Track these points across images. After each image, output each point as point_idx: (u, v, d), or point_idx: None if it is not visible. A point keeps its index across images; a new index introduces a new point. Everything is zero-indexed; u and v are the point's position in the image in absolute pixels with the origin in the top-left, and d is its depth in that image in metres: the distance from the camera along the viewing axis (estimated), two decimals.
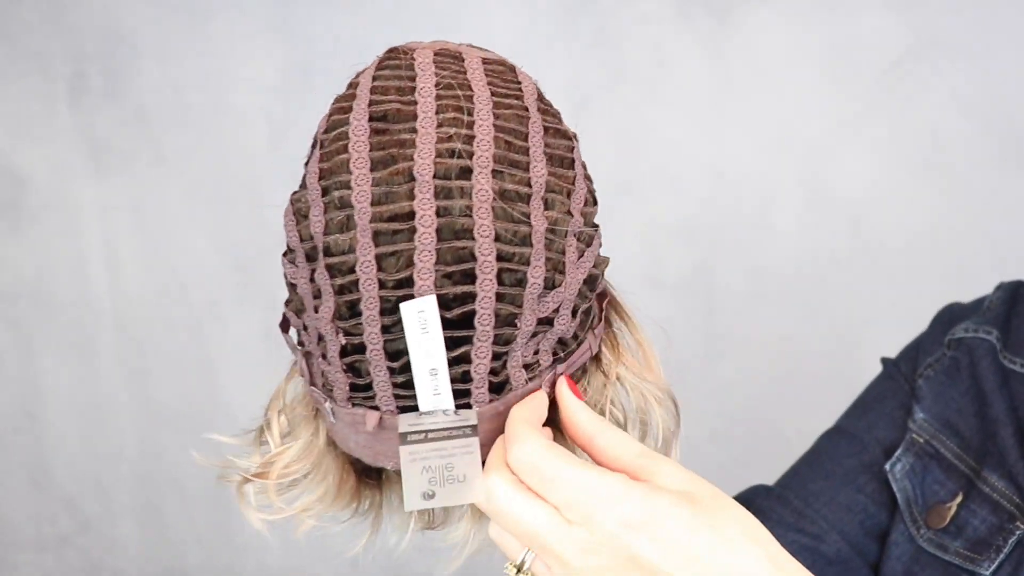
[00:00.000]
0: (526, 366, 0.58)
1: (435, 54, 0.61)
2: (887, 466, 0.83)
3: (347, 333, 0.56)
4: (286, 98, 1.85)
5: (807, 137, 1.69)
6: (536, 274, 0.56)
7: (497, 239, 0.55)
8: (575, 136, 0.62)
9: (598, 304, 0.62)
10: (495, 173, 0.56)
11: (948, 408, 0.82)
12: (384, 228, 0.55)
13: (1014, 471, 0.76)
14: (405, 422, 0.56)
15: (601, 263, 0.62)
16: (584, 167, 0.61)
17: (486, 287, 0.55)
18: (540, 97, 0.61)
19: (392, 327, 0.55)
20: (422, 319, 0.54)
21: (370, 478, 0.66)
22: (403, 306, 0.54)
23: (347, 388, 0.57)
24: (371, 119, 0.57)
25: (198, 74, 1.88)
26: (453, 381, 0.56)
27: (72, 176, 1.95)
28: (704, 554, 0.52)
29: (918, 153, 1.66)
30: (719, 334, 1.77)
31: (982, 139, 1.63)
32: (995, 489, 0.77)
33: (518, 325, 0.56)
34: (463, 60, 0.61)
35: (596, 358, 0.63)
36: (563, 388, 0.58)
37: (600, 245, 0.61)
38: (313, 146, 0.60)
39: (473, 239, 0.55)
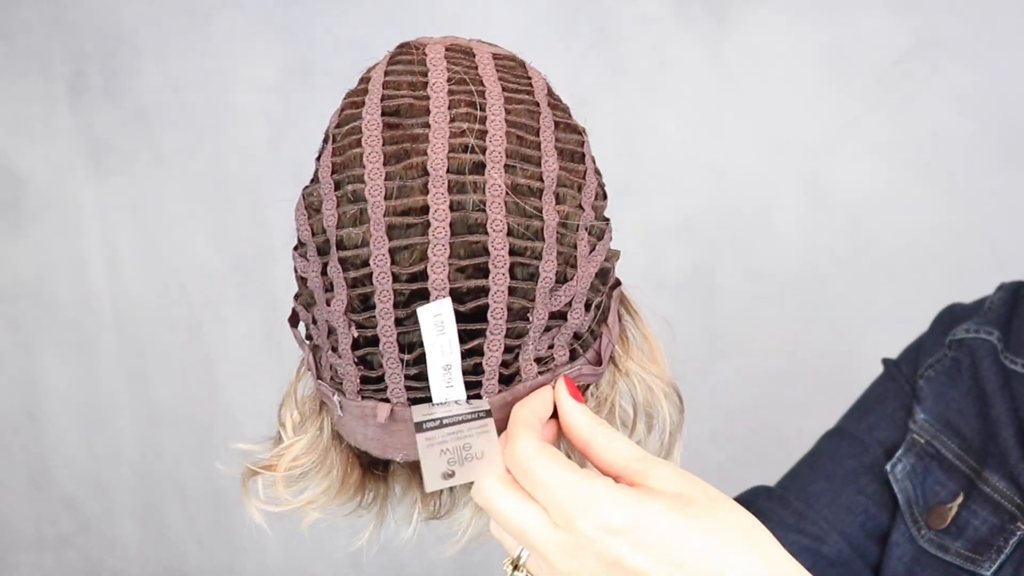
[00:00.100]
0: (538, 359, 0.58)
1: (446, 49, 0.61)
2: (888, 467, 0.83)
3: (360, 326, 0.56)
4: (286, 98, 1.85)
5: (807, 137, 1.69)
6: (548, 268, 0.56)
7: (510, 233, 0.55)
8: (584, 130, 0.62)
9: (608, 297, 0.63)
10: (507, 168, 0.56)
11: (949, 409, 0.82)
12: (398, 222, 0.55)
13: (1015, 472, 0.76)
14: (419, 412, 0.56)
15: (612, 256, 0.62)
16: (593, 161, 0.62)
17: (499, 281, 0.55)
18: (550, 92, 0.62)
19: (405, 320, 0.55)
20: (438, 321, 0.54)
21: (377, 470, 0.66)
22: (420, 310, 0.54)
23: (358, 381, 0.57)
24: (384, 114, 0.57)
25: (198, 74, 1.88)
26: (464, 373, 0.56)
27: (72, 176, 1.95)
28: (694, 560, 0.51)
29: (918, 153, 1.66)
30: (719, 334, 1.77)
31: (982, 139, 1.63)
32: (996, 490, 0.77)
33: (530, 319, 0.56)
34: (474, 56, 0.61)
35: None
36: (561, 390, 0.58)
37: (611, 239, 0.62)
38: (325, 140, 0.60)
39: (486, 233, 0.55)
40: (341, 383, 0.59)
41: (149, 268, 1.97)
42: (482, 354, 0.56)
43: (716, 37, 1.69)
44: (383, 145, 0.56)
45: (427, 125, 0.56)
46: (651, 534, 0.51)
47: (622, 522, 0.52)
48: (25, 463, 2.08)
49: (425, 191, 0.55)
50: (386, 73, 0.60)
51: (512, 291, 0.56)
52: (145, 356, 2.01)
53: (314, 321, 0.60)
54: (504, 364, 0.57)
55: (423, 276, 0.55)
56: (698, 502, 0.53)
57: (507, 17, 1.75)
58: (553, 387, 0.58)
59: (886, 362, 0.89)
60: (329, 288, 0.57)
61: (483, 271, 0.55)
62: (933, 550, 0.79)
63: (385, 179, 0.55)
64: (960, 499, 0.79)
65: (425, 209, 0.55)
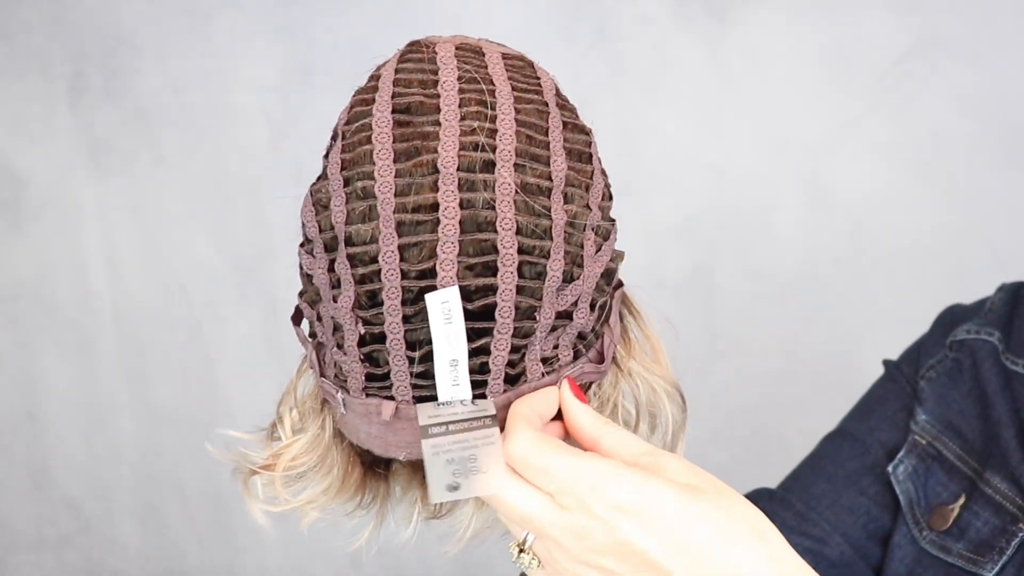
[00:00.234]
0: (544, 359, 0.58)
1: (456, 48, 0.61)
2: (889, 468, 0.83)
3: (366, 323, 0.56)
4: (286, 98, 1.85)
5: (807, 137, 1.69)
6: (556, 267, 0.56)
7: (519, 232, 0.55)
8: (591, 131, 0.62)
9: (611, 297, 0.63)
10: (517, 167, 0.56)
11: (950, 410, 0.82)
12: (407, 219, 0.55)
13: (1017, 473, 0.76)
14: (424, 413, 0.56)
15: (617, 257, 0.62)
16: (600, 161, 0.62)
17: (507, 280, 0.55)
18: (558, 92, 0.62)
19: (413, 317, 0.55)
20: (446, 309, 0.54)
21: (378, 469, 0.66)
22: (428, 296, 0.54)
23: (363, 378, 0.57)
24: (394, 111, 0.57)
25: (198, 74, 1.88)
26: (470, 372, 0.56)
27: (72, 176, 1.95)
28: (698, 546, 0.52)
29: (918, 153, 1.66)
30: (719, 334, 1.77)
31: (982, 139, 1.63)
32: (998, 491, 0.77)
33: (537, 318, 0.56)
34: (484, 55, 0.61)
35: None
36: (565, 391, 0.58)
37: (616, 240, 0.62)
38: (334, 138, 0.60)
39: (496, 232, 0.55)
40: (345, 380, 0.58)
41: (149, 268, 1.97)
42: (489, 353, 0.56)
43: (716, 37, 1.69)
44: (393, 142, 0.56)
45: (438, 123, 0.56)
46: (658, 516, 0.52)
47: (631, 501, 0.52)
48: (25, 463, 2.08)
49: (435, 188, 0.55)
50: (396, 71, 0.60)
51: (520, 290, 0.56)
52: (145, 356, 2.00)
53: (319, 318, 0.60)
54: (510, 364, 0.57)
55: (432, 273, 0.55)
56: (707, 493, 0.53)
57: (507, 17, 1.75)
58: (558, 387, 0.58)
59: (887, 363, 0.89)
60: (336, 284, 0.57)
61: (492, 269, 0.55)
62: (935, 551, 0.79)
63: (395, 176, 0.55)
64: (962, 500, 0.79)
65: (435, 206, 0.55)
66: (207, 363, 1.98)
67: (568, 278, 0.57)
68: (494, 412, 0.56)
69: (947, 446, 0.81)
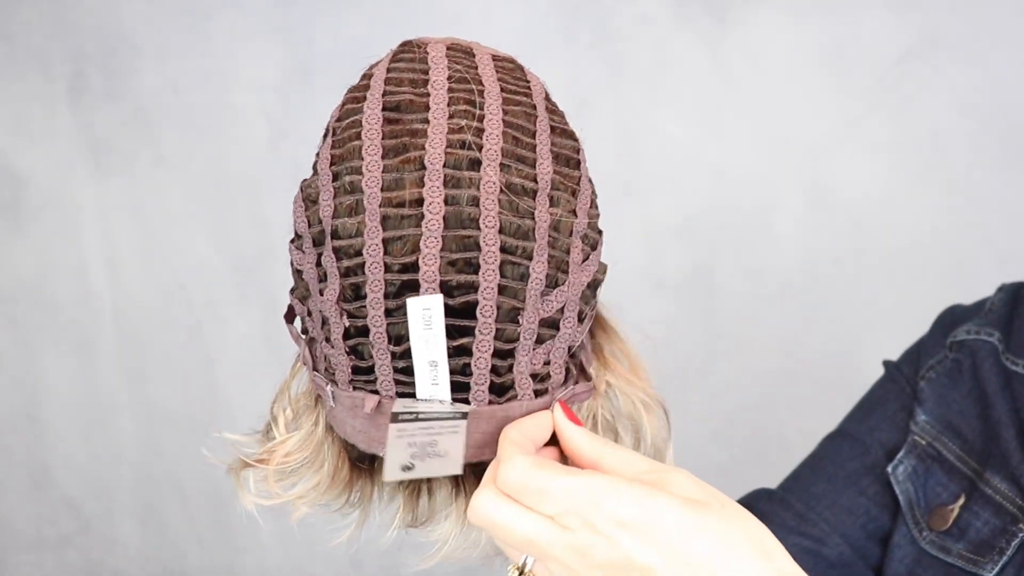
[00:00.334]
0: (535, 375, 0.58)
1: (448, 48, 0.62)
2: (889, 468, 0.83)
3: (351, 315, 0.57)
4: (286, 98, 1.85)
5: (807, 137, 1.69)
6: (539, 269, 0.56)
7: (502, 231, 0.56)
8: (579, 139, 0.62)
9: (592, 309, 0.63)
10: (503, 167, 0.57)
11: (950, 410, 0.82)
12: (392, 213, 0.55)
13: (1017, 473, 0.76)
14: (400, 403, 0.56)
15: (602, 269, 0.62)
16: (588, 170, 0.62)
17: (489, 277, 0.55)
18: (547, 96, 0.63)
19: (395, 311, 0.56)
20: (427, 316, 0.55)
21: (363, 464, 0.66)
22: (409, 301, 0.55)
23: (349, 371, 0.58)
24: (384, 109, 0.58)
25: (198, 74, 1.88)
26: (453, 372, 0.56)
27: (72, 176, 1.95)
28: (700, 559, 0.51)
29: (918, 153, 1.66)
30: (719, 334, 1.77)
31: (982, 139, 1.63)
32: (998, 491, 0.77)
33: (520, 322, 0.56)
34: (474, 56, 0.62)
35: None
36: (559, 416, 0.58)
37: (602, 252, 0.62)
38: (325, 135, 0.61)
39: (479, 229, 0.55)
40: (334, 373, 0.59)
41: (149, 268, 1.97)
42: (471, 354, 0.56)
43: (716, 37, 1.69)
44: (382, 139, 0.57)
45: (426, 121, 0.57)
46: (660, 530, 0.51)
47: (632, 516, 0.51)
48: (25, 463, 2.08)
49: (421, 184, 0.55)
50: (388, 70, 0.60)
51: (502, 289, 0.56)
52: (145, 356, 2.00)
53: (309, 313, 0.61)
54: (496, 371, 0.57)
55: (414, 267, 0.55)
56: (711, 507, 0.53)
57: (507, 17, 1.75)
58: (551, 412, 0.58)
59: (887, 364, 0.89)
60: (323, 278, 0.58)
61: (474, 266, 0.55)
62: (935, 552, 0.79)
63: (382, 171, 0.56)
64: (961, 500, 0.79)
65: (420, 202, 0.55)
66: (207, 363, 1.98)
67: (552, 283, 0.57)
68: (467, 411, 0.56)
69: (947, 446, 0.81)
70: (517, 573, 0.56)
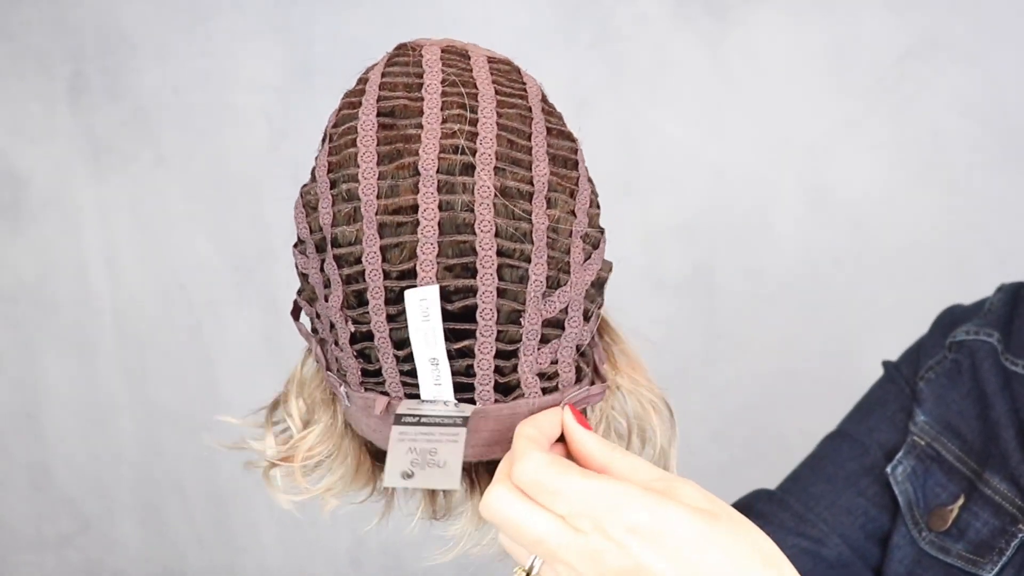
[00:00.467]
0: (541, 374, 0.58)
1: (442, 51, 0.62)
2: (888, 469, 0.82)
3: (355, 321, 0.57)
4: (286, 98, 1.85)
5: (807, 137, 1.69)
6: (538, 271, 0.56)
7: (497, 235, 0.56)
8: (577, 139, 0.62)
9: (599, 308, 0.63)
10: (497, 170, 0.57)
11: (949, 410, 0.82)
12: (389, 220, 0.56)
13: (1016, 473, 0.76)
14: (405, 405, 0.57)
15: (606, 267, 0.62)
16: (587, 170, 0.62)
17: (486, 281, 0.55)
18: (544, 99, 0.62)
19: (397, 316, 0.56)
20: (424, 307, 0.55)
21: (381, 461, 0.67)
22: (407, 293, 0.55)
23: (359, 373, 0.58)
24: (379, 114, 0.58)
25: (198, 74, 1.88)
26: (457, 374, 0.57)
27: (72, 176, 1.95)
28: (711, 571, 0.51)
29: (918, 153, 1.66)
30: (719, 334, 1.77)
31: (982, 139, 1.63)
32: (997, 491, 0.77)
33: (522, 323, 0.56)
34: (469, 58, 0.62)
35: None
36: (568, 419, 0.58)
37: (605, 250, 0.62)
38: (323, 140, 0.61)
39: (474, 234, 0.56)
40: (346, 375, 0.60)
41: (149, 268, 1.97)
42: (473, 356, 0.56)
43: (716, 37, 1.69)
44: (377, 145, 0.57)
45: (420, 126, 0.57)
46: (673, 540, 0.51)
47: (646, 524, 0.51)
48: (25, 463, 2.08)
49: (416, 190, 0.56)
50: (383, 75, 0.60)
51: (501, 293, 0.56)
52: (145, 356, 2.00)
53: (318, 315, 0.61)
54: (500, 371, 0.57)
55: (412, 274, 0.55)
56: (721, 519, 0.53)
57: (507, 17, 1.75)
58: (562, 409, 0.58)
59: (886, 364, 0.89)
60: (327, 284, 0.59)
61: (471, 271, 0.56)
62: (934, 552, 0.79)
63: (378, 178, 0.56)
64: (961, 501, 0.79)
65: (415, 208, 0.56)
66: (207, 363, 1.99)
67: (554, 284, 0.58)
68: (468, 415, 0.56)
69: (946, 447, 0.81)
70: (524, 574, 0.55)
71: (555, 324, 0.58)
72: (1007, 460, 0.77)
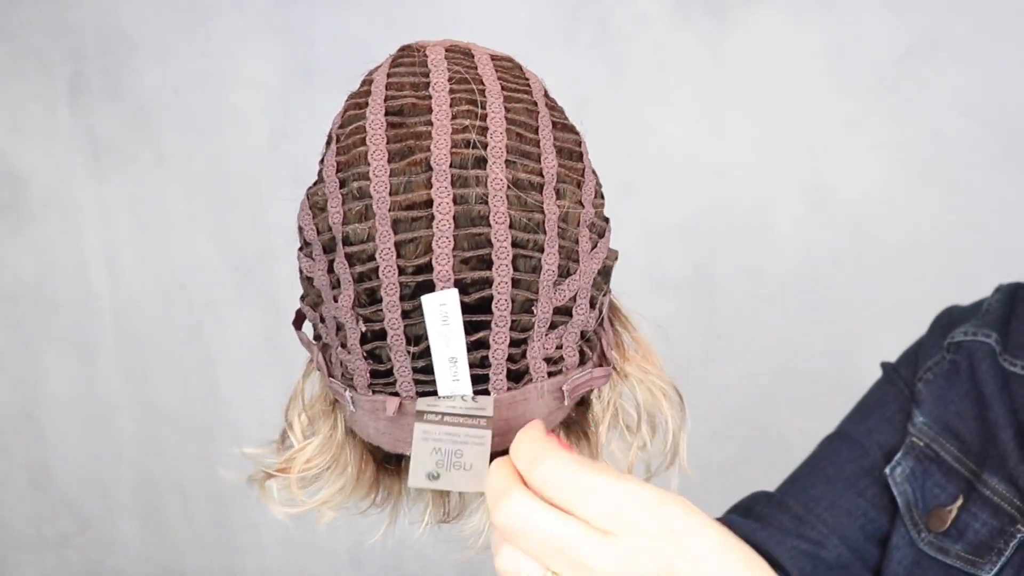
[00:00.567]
0: (548, 359, 0.58)
1: (446, 50, 0.62)
2: (887, 470, 0.82)
3: (367, 320, 0.57)
4: (286, 98, 1.85)
5: (807, 137, 1.69)
6: (550, 261, 0.57)
7: (512, 226, 0.56)
8: (579, 132, 0.63)
9: (606, 297, 0.63)
10: (508, 163, 0.57)
11: (948, 411, 0.82)
12: (403, 216, 0.56)
13: (1015, 474, 0.76)
14: (424, 402, 0.57)
15: (612, 255, 0.63)
16: (590, 162, 0.63)
17: (502, 272, 0.56)
18: (546, 93, 0.63)
19: (412, 312, 0.56)
20: (443, 311, 0.55)
21: (389, 466, 0.67)
22: (424, 299, 0.55)
23: (367, 375, 0.58)
24: (387, 113, 0.59)
25: (198, 74, 1.88)
26: (471, 366, 0.57)
27: (72, 176, 1.95)
28: None
29: (918, 153, 1.66)
30: (719, 334, 1.77)
31: (982, 139, 1.63)
32: (995, 492, 0.77)
33: (535, 312, 0.57)
34: (473, 56, 0.63)
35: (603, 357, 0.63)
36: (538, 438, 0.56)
37: (610, 239, 0.62)
38: (328, 142, 0.61)
39: (489, 226, 0.56)
40: (352, 379, 0.59)
41: (149, 268, 1.97)
42: (488, 347, 0.56)
43: (716, 37, 1.69)
44: (387, 143, 0.57)
45: (430, 123, 0.58)
46: (702, 546, 0.50)
47: (683, 526, 0.50)
48: (25, 463, 2.08)
49: (429, 186, 0.56)
50: (388, 75, 0.61)
51: (516, 283, 0.56)
52: (145, 356, 2.01)
53: (322, 320, 0.61)
54: (511, 359, 0.57)
55: (428, 268, 0.55)
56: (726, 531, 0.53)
57: (507, 17, 1.75)
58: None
59: (885, 366, 0.89)
60: (336, 285, 0.58)
61: (487, 262, 0.56)
62: (933, 553, 0.79)
63: (390, 175, 0.57)
64: (959, 502, 0.79)
65: (429, 203, 0.56)
66: (207, 363, 1.99)
67: (564, 273, 0.58)
68: (491, 415, 0.56)
69: (944, 447, 0.81)
70: None
71: (564, 311, 0.59)
72: (1005, 461, 0.77)
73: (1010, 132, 1.62)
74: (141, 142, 1.92)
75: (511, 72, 0.63)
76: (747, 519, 0.84)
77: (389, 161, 0.57)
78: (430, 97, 0.59)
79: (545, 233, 0.57)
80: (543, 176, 0.58)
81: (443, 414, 0.56)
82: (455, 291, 0.55)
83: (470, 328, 0.56)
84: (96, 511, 2.08)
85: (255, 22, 1.84)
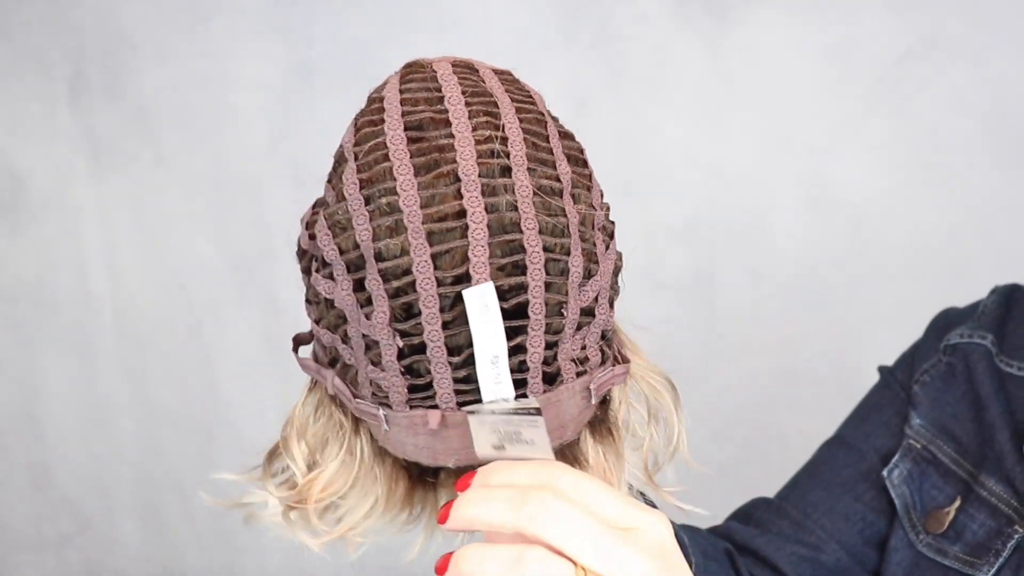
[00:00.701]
0: (574, 360, 0.59)
1: (452, 65, 0.63)
2: (884, 473, 0.83)
3: (404, 335, 0.57)
4: (286, 98, 1.85)
5: (807, 137, 1.69)
6: (576, 263, 0.58)
7: (541, 231, 0.57)
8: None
9: None
10: (530, 170, 0.58)
11: (944, 413, 0.82)
12: (437, 228, 0.56)
13: (1011, 475, 0.76)
14: (469, 409, 0.57)
15: (619, 258, 0.64)
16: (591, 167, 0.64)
17: (536, 276, 0.57)
18: (544, 104, 0.64)
19: (451, 323, 0.56)
20: (482, 304, 0.56)
21: (428, 479, 0.67)
22: (466, 293, 0.56)
23: (406, 391, 0.58)
24: (407, 128, 0.59)
25: (198, 74, 1.88)
26: (511, 371, 0.57)
27: (72, 176, 1.95)
28: None
29: (918, 153, 1.66)
30: (720, 335, 1.77)
31: (982, 139, 1.63)
32: (993, 493, 0.77)
33: (565, 314, 0.58)
34: (477, 71, 0.64)
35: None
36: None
37: (616, 241, 0.64)
38: (341, 161, 0.61)
39: (521, 232, 0.57)
40: (386, 396, 0.59)
41: (149, 268, 1.97)
42: (525, 351, 0.57)
43: (716, 37, 1.69)
44: (411, 157, 0.58)
45: (451, 135, 0.58)
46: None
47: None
48: (25, 463, 2.08)
49: (458, 196, 0.57)
50: (401, 91, 0.61)
51: (548, 286, 0.57)
52: (145, 356, 2.01)
53: (344, 340, 0.61)
54: (545, 362, 0.58)
55: (466, 277, 0.56)
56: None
57: (507, 17, 1.75)
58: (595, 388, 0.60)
59: (882, 369, 0.89)
60: (366, 303, 0.58)
61: (521, 268, 0.57)
62: (932, 554, 0.79)
63: (418, 189, 0.57)
64: (957, 503, 0.79)
65: (461, 213, 0.56)
66: (207, 363, 1.99)
67: (587, 274, 0.59)
68: (538, 406, 0.56)
69: (941, 449, 0.81)
70: None
71: (587, 312, 0.60)
72: (1002, 462, 0.77)
73: (1010, 132, 1.62)
74: (141, 142, 1.92)
75: (514, 85, 0.64)
76: (747, 525, 0.85)
77: (415, 175, 0.57)
78: (447, 111, 0.59)
79: (570, 237, 0.58)
80: (560, 182, 0.59)
81: (492, 411, 0.56)
82: (491, 284, 0.56)
83: (509, 333, 0.57)
84: (96, 511, 2.09)
85: (255, 22, 1.84)
